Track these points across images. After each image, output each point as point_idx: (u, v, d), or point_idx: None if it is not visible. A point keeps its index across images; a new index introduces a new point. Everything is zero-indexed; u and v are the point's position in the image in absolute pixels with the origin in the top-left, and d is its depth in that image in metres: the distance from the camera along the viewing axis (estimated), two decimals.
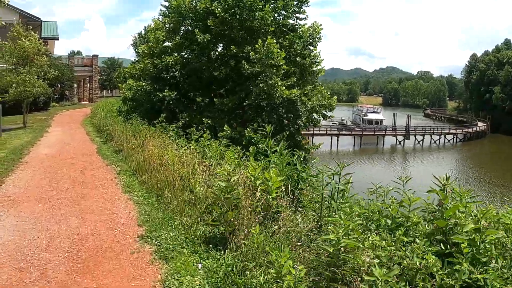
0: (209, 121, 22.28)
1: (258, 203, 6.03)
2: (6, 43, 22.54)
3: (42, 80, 24.79)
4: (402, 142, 65.85)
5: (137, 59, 50.69)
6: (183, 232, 6.40)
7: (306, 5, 24.37)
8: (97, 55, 53.00)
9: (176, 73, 24.95)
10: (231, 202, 5.75)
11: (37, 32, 27.38)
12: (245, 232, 5.46)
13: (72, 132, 21.92)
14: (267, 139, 7.96)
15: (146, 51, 27.61)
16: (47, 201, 8.47)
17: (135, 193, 9.15)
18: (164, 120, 16.45)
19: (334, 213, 5.30)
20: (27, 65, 23.06)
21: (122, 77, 48.42)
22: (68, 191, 9.30)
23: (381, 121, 78.30)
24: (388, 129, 69.97)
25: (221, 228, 6.11)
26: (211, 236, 6.10)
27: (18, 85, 22.18)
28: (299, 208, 6.43)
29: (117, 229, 6.80)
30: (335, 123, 66.90)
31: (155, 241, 6.13)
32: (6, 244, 5.99)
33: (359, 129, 71.58)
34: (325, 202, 5.64)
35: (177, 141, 13.27)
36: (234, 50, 22.45)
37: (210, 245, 5.74)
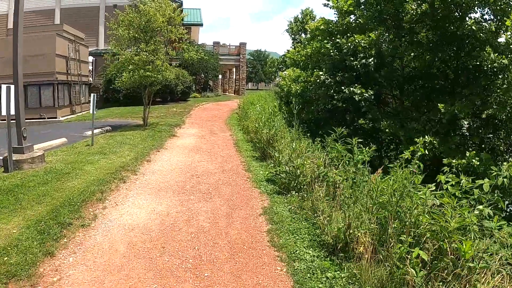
0: (434, 141, 12.78)
1: None
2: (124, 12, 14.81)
3: (174, 64, 16.71)
4: None
5: (292, 47, 43.22)
6: None
7: None
8: (245, 43, 45.52)
9: (369, 60, 15.66)
10: None
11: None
12: None
13: (212, 139, 13.33)
14: None
15: (321, 27, 19.01)
16: None
17: None
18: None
19: None
20: (151, 40, 14.90)
21: (277, 66, 40.88)
22: None
23: None
24: None
25: None
26: None
27: (136, 67, 14.35)
28: None
29: None
30: None
31: None
32: None
33: None
34: None
35: None
36: (473, 27, 12.99)
37: None
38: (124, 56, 14.42)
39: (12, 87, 7.77)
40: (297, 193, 6.55)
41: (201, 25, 44.73)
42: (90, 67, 29.33)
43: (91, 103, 10.97)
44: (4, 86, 7.52)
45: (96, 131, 14.53)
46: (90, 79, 29.14)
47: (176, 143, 12.31)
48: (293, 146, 6.93)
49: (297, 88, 19.05)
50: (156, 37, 15.10)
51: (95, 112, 11.13)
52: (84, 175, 7.35)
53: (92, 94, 11.03)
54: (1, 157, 8.08)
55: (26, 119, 20.93)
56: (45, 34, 21.96)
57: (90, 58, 28.90)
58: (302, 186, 6.61)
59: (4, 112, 7.58)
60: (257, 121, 12.47)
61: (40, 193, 6.20)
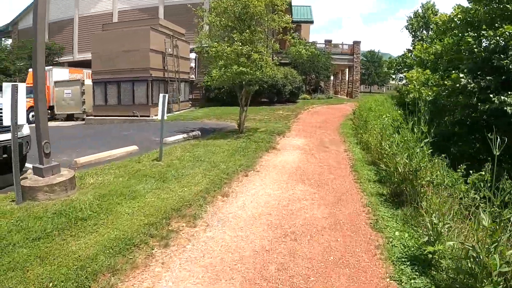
0: None
1: None
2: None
3: (276, 60, 13.49)
4: None
5: (413, 45, 37.81)
6: None
7: None
8: (359, 42, 40.86)
9: None
10: None
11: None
12: None
13: (321, 156, 9.84)
14: None
15: (458, 16, 15.66)
16: None
17: None
18: None
19: None
20: (247, 29, 11.95)
21: (395, 67, 35.95)
22: None
23: None
24: None
25: None
26: None
27: (228, 61, 11.60)
28: None
29: None
30: None
31: None
32: None
33: None
34: None
35: None
36: None
37: None
38: (214, 49, 11.68)
39: (21, 85, 5.17)
40: None
41: (312, 22, 41.90)
42: (192, 64, 27.66)
43: (160, 107, 8.16)
44: (8, 87, 4.94)
45: (180, 136, 12.07)
46: (192, 76, 27.49)
47: (273, 162, 9.10)
48: (484, 223, 3.11)
49: (429, 93, 14.82)
50: (254, 26, 12.16)
51: (165, 117, 8.34)
52: (107, 224, 4.44)
53: (161, 95, 8.24)
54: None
55: (119, 116, 19.89)
56: (139, 28, 20.42)
57: (193, 55, 27.22)
58: None
59: (6, 122, 5.07)
60: (384, 139, 8.68)
61: (11, 264, 3.41)
